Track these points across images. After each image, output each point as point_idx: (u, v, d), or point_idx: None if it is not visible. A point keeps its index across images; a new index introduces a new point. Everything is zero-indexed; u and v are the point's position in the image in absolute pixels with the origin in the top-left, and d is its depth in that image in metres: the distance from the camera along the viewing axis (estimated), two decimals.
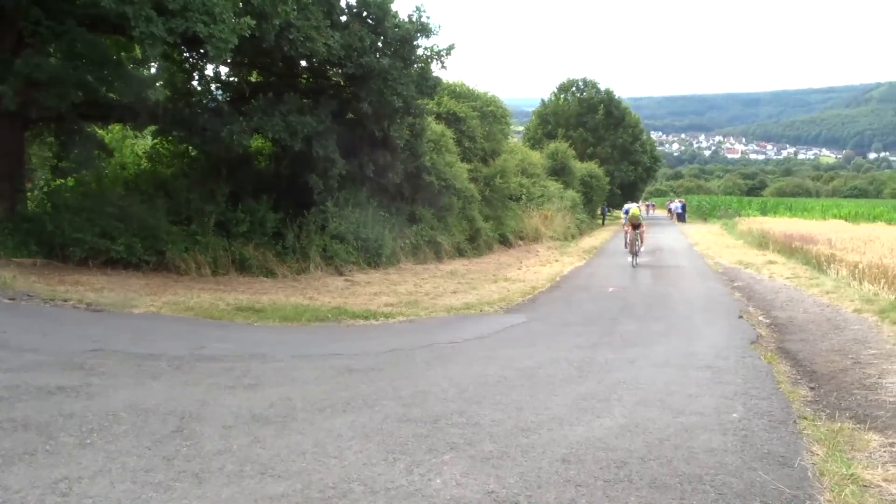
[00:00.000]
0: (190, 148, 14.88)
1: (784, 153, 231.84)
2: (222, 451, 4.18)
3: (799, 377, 6.79)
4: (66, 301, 8.91)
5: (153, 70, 14.63)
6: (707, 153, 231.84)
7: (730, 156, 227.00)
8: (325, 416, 4.99)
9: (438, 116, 21.71)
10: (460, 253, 20.10)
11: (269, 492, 3.64)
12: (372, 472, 3.95)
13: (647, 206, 63.64)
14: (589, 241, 30.04)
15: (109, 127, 16.41)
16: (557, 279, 15.95)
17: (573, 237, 30.75)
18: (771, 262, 18.51)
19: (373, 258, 15.72)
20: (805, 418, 5.29)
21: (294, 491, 3.66)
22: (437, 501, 3.60)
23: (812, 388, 6.35)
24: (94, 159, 14.15)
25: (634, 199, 53.48)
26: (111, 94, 13.32)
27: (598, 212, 47.22)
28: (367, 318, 9.71)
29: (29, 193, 13.43)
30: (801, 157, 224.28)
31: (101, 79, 12.28)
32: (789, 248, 20.10)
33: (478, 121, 24.32)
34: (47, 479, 3.63)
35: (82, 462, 3.88)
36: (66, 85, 11.19)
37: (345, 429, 4.70)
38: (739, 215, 44.01)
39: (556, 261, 20.72)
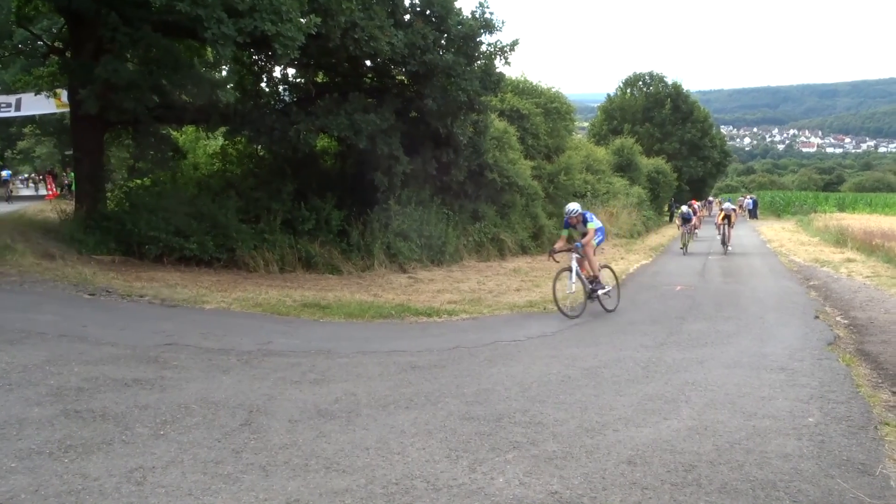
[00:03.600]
0: (258, 148, 15.25)
1: (864, 146, 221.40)
2: (288, 445, 4.26)
3: (880, 381, 6.46)
4: (141, 297, 9.25)
5: (224, 73, 15.08)
6: (781, 147, 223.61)
7: (805, 150, 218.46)
8: (388, 412, 5.03)
9: (501, 113, 21.62)
10: (524, 250, 19.98)
11: (334, 486, 3.69)
12: (434, 470, 3.96)
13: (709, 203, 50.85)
14: (656, 239, 29.41)
15: (183, 129, 17.00)
16: (623, 277, 15.64)
17: (639, 234, 30.15)
18: (849, 261, 17.73)
19: (436, 255, 15.79)
20: (887, 424, 5.03)
21: (358, 486, 3.70)
22: (500, 500, 3.58)
23: (895, 393, 6.04)
24: (168, 160, 14.69)
25: (703, 196, 52.05)
26: (185, 97, 13.79)
27: (666, 208, 46.14)
28: (430, 315, 9.75)
29: (108, 193, 14.01)
30: (881, 150, 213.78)
31: (175, 82, 12.74)
32: (869, 246, 19.23)
33: (541, 117, 24.13)
34: (123, 468, 3.77)
35: (156, 452, 4.02)
36: (143, 89, 11.63)
37: (408, 425, 4.73)
38: (815, 211, 42.48)
39: (622, 258, 20.35)
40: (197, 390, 5.27)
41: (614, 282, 11.20)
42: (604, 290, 10.45)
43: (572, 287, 10.12)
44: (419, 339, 8.11)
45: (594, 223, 10.37)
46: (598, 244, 10.74)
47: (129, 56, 12.32)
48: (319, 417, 4.84)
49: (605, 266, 11.52)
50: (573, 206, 10.51)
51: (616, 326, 9.38)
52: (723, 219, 22.83)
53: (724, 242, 22.35)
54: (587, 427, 4.81)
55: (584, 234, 10.31)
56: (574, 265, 10.09)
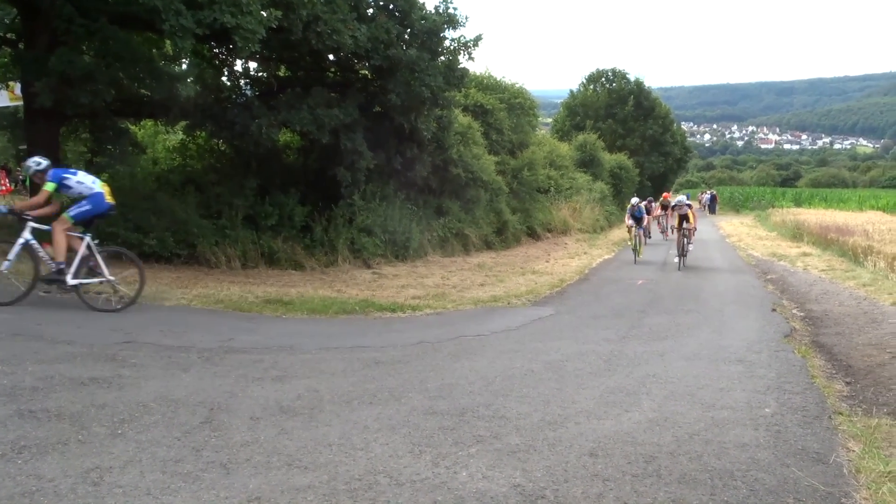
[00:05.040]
0: (219, 143, 15.03)
1: (819, 143, 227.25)
2: (250, 443, 4.21)
3: (834, 372, 6.65)
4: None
5: (184, 66, 14.80)
6: (740, 144, 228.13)
7: (763, 146, 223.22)
8: (351, 408, 5.01)
9: (465, 109, 21.63)
10: (488, 245, 20.06)
11: (296, 483, 3.66)
12: (398, 465, 3.96)
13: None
14: (618, 234, 29.73)
15: (142, 123, 16.67)
16: (586, 271, 15.83)
17: (602, 229, 30.49)
18: (805, 254, 18.19)
19: (400, 251, 15.75)
20: (841, 414, 5.18)
21: (320, 482, 3.68)
22: (463, 494, 3.59)
23: (848, 383, 6.22)
24: (127, 155, 14.37)
25: (665, 190, 52.77)
26: (143, 91, 13.50)
27: (628, 204, 46.52)
28: (394, 310, 9.73)
29: None
30: (837, 146, 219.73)
31: (134, 76, 12.45)
32: (824, 240, 19.73)
33: (505, 113, 24.19)
34: (79, 468, 3.69)
35: (113, 452, 3.94)
36: (100, 82, 11.35)
37: (371, 421, 4.72)
38: (773, 206, 43.38)
39: (585, 253, 20.58)
40: (156, 388, 5.18)
41: (136, 273, 8.48)
42: (89, 281, 8.16)
43: (6, 264, 7.73)
44: (383, 335, 8.09)
45: (54, 180, 7.76)
46: (78, 218, 8.01)
47: (84, 48, 12.03)
48: (281, 414, 4.79)
49: (116, 251, 8.85)
50: (30, 163, 8.07)
51: (579, 320, 9.48)
52: (679, 222, 17.00)
53: (681, 254, 16.59)
54: (550, 420, 4.85)
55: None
56: (26, 235, 7.79)
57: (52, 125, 12.77)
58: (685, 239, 16.60)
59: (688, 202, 17.89)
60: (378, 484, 3.69)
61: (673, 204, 18.78)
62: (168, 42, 13.00)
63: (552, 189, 28.53)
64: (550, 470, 3.94)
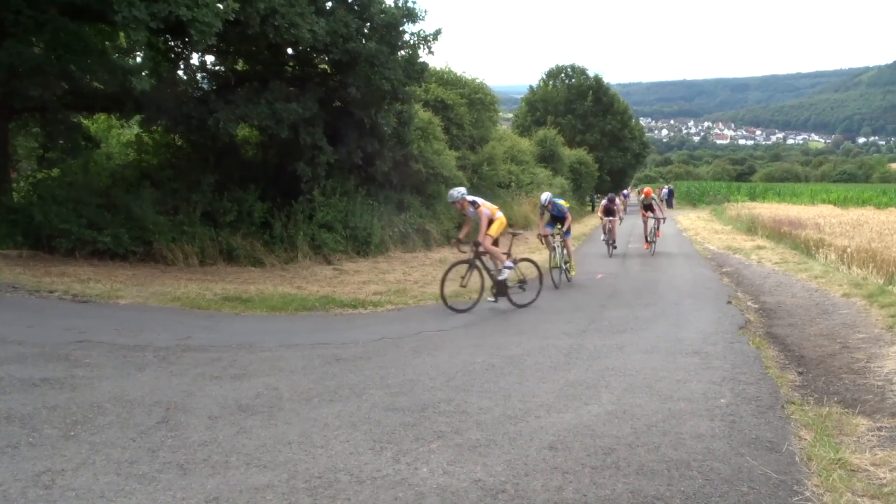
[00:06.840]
0: (176, 137, 14.75)
1: (773, 138, 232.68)
2: (208, 442, 4.15)
3: (787, 362, 6.80)
4: (51, 292, 8.83)
5: (139, 59, 14.49)
6: (696, 139, 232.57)
7: (719, 141, 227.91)
8: (311, 405, 4.97)
9: (426, 104, 21.58)
10: (449, 241, 20.03)
11: (255, 482, 3.62)
12: (358, 462, 3.94)
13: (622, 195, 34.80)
14: (578, 228, 29.96)
15: (95, 117, 16.28)
16: (547, 266, 15.91)
17: None
18: (760, 248, 18.57)
19: (361, 246, 15.68)
20: (793, 403, 5.30)
21: (280, 481, 3.64)
22: (424, 490, 3.59)
23: (800, 373, 6.37)
24: (79, 149, 14.03)
25: (624, 186, 53.54)
26: (96, 84, 13.19)
27: (587, 199, 47.00)
28: (355, 306, 9.68)
29: (15, 184, 13.30)
30: (790, 142, 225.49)
31: (85, 68, 12.16)
32: (778, 234, 20.17)
33: (466, 108, 24.20)
34: (30, 471, 3.60)
35: (66, 454, 3.85)
36: (50, 75, 11.08)
37: (331, 418, 4.69)
38: (728, 201, 44.23)
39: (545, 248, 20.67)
40: (110, 388, 5.08)
41: None
42: None
43: None
44: (344, 331, 8.04)
45: None
46: None
47: (34, 40, 11.70)
48: (240, 413, 4.73)
49: None
50: None
51: (540, 315, 9.54)
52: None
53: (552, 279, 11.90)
54: (510, 414, 4.87)
55: None
56: None
57: (0, 119, 12.41)
58: (556, 250, 11.43)
59: (560, 200, 13.24)
60: (338, 482, 3.67)
61: (542, 204, 12.62)
62: (122, 34, 12.72)
63: (513, 184, 28.65)
64: (511, 464, 3.96)
